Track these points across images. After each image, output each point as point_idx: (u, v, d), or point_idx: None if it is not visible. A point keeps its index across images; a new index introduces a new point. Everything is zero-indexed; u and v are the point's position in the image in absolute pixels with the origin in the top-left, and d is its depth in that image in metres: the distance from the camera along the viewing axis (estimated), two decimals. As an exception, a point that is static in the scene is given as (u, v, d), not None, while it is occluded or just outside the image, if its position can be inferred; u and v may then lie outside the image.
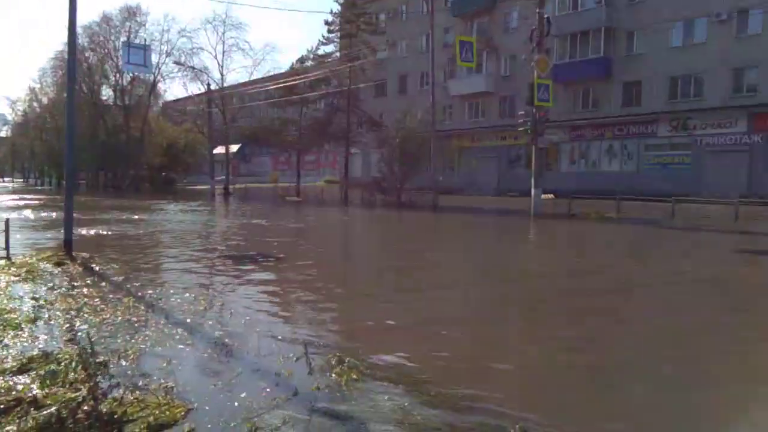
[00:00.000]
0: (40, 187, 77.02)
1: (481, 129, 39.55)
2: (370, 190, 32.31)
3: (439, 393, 4.81)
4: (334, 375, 5.20)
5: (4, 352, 5.80)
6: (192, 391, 4.83)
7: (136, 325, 6.99)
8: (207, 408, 4.50)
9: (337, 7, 40.72)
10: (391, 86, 46.42)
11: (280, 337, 6.53)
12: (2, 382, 4.91)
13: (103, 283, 9.69)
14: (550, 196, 27.38)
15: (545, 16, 22.40)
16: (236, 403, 4.57)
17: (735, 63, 27.84)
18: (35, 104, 79.69)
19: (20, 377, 5.05)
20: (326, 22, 40.84)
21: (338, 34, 40.92)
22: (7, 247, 12.45)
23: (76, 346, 5.95)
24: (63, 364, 5.30)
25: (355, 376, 5.15)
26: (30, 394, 4.65)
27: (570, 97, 34.29)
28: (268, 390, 4.86)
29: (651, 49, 30.80)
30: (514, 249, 15.48)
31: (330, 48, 42.73)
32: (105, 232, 18.42)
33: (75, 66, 14.40)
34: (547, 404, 4.75)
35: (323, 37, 41.50)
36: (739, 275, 10.86)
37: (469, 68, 38.22)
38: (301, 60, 42.12)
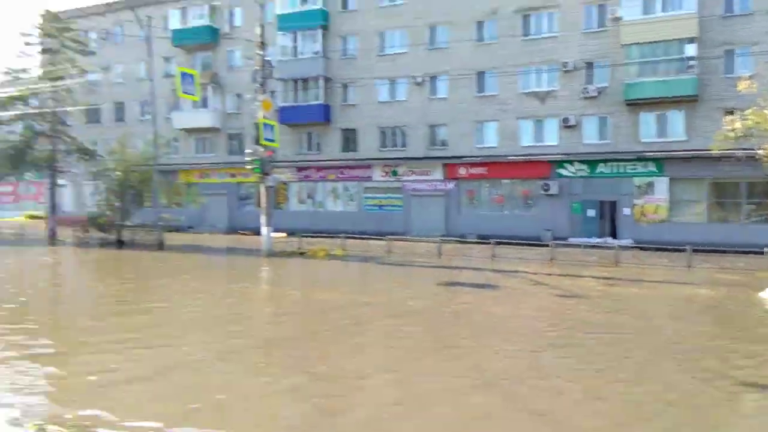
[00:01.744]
0: None
1: (209, 165, 38.69)
2: (83, 227, 28.78)
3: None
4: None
5: None
6: None
7: None
8: None
9: (37, 19, 35.88)
10: (106, 113, 42.37)
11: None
12: None
13: None
14: (283, 234, 28.05)
15: (268, 59, 23.27)
16: None
17: (430, 120, 32.70)
18: None
19: None
20: (22, 34, 35.67)
21: (39, 48, 36.00)
22: None
23: None
24: None
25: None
26: None
27: (296, 138, 35.87)
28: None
29: (363, 101, 34.20)
30: (245, 290, 15.39)
31: (28, 62, 37.24)
32: None
33: None
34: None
35: (21, 52, 36.02)
36: (441, 304, 12.66)
37: (194, 102, 37.21)
38: (-11, 73, 35.84)
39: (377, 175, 34.14)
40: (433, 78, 32.52)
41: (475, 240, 27.17)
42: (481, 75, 31.14)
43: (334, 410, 6.00)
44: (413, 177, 33.09)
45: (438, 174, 32.46)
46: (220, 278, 17.80)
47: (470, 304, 12.62)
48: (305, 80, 34.85)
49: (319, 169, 35.54)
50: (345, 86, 34.78)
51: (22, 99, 34.09)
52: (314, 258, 21.79)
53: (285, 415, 5.88)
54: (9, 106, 34.21)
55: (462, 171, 31.76)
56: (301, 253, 22.70)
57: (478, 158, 31.05)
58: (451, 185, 32.10)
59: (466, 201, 32.05)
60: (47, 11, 34.58)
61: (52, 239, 29.63)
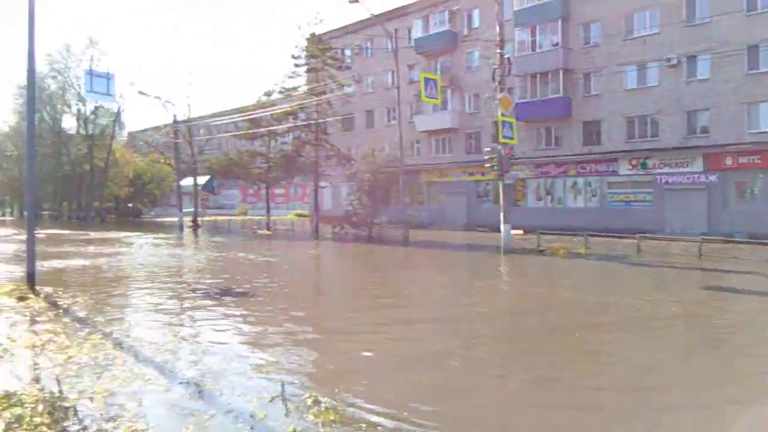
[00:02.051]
0: (1, 218, 74.59)
1: (448, 164, 40.19)
2: (341, 224, 32.28)
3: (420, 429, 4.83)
4: (311, 416, 5.17)
5: (-35, 394, 5.58)
6: (164, 433, 4.74)
7: (103, 363, 6.83)
8: (180, 451, 4.42)
9: (303, 42, 41.27)
10: (358, 121, 46.96)
11: (253, 377, 6.47)
12: (-38, 426, 4.73)
13: (68, 319, 9.44)
14: (520, 231, 27.79)
15: (505, 56, 23.15)
16: (210, 448, 4.50)
17: (687, 105, 29.09)
18: (-5, 132, 77.76)
19: (-18, 421, 4.87)
20: (293, 56, 41.31)
21: (304, 68, 41.37)
22: (-36, 283, 12.05)
23: (41, 388, 5.78)
24: (28, 406, 5.14)
25: (333, 418, 5.13)
26: (-7, 439, 4.49)
27: (533, 134, 35.19)
28: (244, 432, 4.80)
29: (608, 90, 31.96)
30: (489, 284, 15.64)
31: (297, 82, 43.11)
32: (69, 266, 17.94)
33: (34, 93, 14.23)
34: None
35: (290, 71, 41.90)
36: (709, 312, 11.20)
37: (434, 105, 39.02)
38: (268, 93, 42.33)
39: (623, 168, 31.61)
40: (692, 58, 28.91)
41: (746, 240, 23.33)
42: (753, 49, 26.73)
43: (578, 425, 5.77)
44: (666, 169, 29.86)
45: (697, 165, 28.76)
46: (462, 273, 18.36)
47: (746, 314, 10.89)
48: (544, 74, 33.93)
49: (559, 164, 34.28)
50: (586, 76, 32.97)
51: (293, 114, 39.59)
52: (554, 256, 21.11)
53: (527, 422, 5.85)
54: (283, 121, 40.11)
55: (728, 161, 27.65)
56: (540, 251, 22.16)
57: (750, 145, 26.71)
58: (713, 177, 28.18)
59: (733, 195, 27.82)
60: (312, 35, 39.42)
61: (316, 234, 33.81)
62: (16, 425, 4.68)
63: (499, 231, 22.56)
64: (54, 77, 58.62)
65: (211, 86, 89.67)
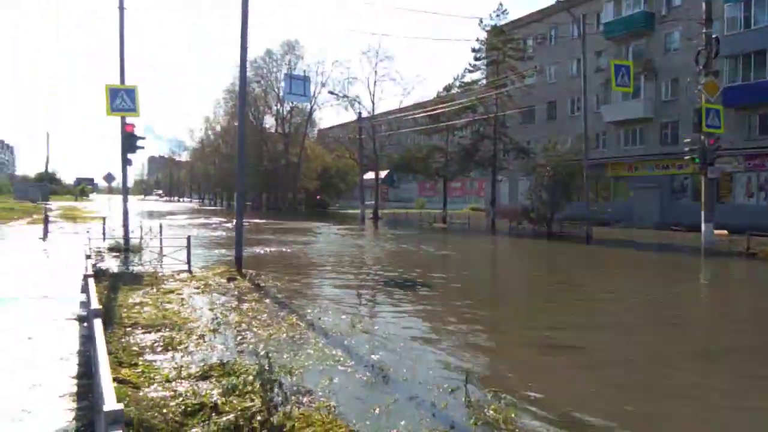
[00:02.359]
0: (212, 208, 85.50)
1: (639, 157, 37.03)
2: (518, 219, 31.53)
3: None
4: (491, 411, 5.11)
5: (189, 359, 6.46)
6: (352, 412, 5.02)
7: (299, 342, 7.45)
8: (368, 432, 4.65)
9: (483, 35, 40.90)
10: (539, 113, 45.31)
11: (433, 367, 6.58)
12: (188, 386, 5.47)
13: (268, 300, 10.48)
14: (724, 232, 24.58)
15: (713, 36, 20.57)
16: (395, 430, 4.66)
17: None
18: (210, 132, 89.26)
19: (202, 383, 5.59)
20: (473, 50, 41.20)
21: (484, 61, 40.97)
22: (188, 262, 13.98)
23: (250, 359, 6.48)
24: (241, 375, 5.79)
25: (513, 415, 5.02)
26: (211, 401, 5.13)
27: (744, 123, 30.88)
28: (426, 420, 4.90)
29: None
30: (686, 290, 14.16)
31: (476, 75, 42.94)
32: (268, 252, 19.96)
33: (245, 97, 15.97)
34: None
35: (470, 65, 41.85)
36: None
37: (625, 93, 36.11)
38: (447, 88, 42.74)
39: None
40: None
41: None
42: None
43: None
44: None
45: None
46: (653, 276, 16.85)
47: None
48: (759, 53, 29.62)
49: (776, 156, 29.75)
50: (816, 53, 28.15)
51: (471, 108, 39.53)
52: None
53: None
54: (462, 115, 40.27)
55: None
56: (751, 254, 19.41)
57: None
58: None
59: None
60: (494, 27, 38.90)
61: (492, 229, 33.42)
62: (231, 391, 5.30)
63: (697, 231, 20.32)
64: (258, 81, 65.34)
65: (395, 84, 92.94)
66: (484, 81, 41.63)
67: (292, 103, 61.68)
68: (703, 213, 19.94)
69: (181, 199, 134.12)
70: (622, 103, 37.38)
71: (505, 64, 38.11)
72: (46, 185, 52.74)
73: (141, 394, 5.20)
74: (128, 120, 16.37)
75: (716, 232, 20.96)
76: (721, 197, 30.81)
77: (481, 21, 40.12)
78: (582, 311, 10.72)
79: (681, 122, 33.68)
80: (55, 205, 57.49)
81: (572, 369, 6.83)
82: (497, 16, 39.72)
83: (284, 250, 20.73)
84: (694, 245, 20.47)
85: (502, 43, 38.17)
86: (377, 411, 5.09)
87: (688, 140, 21.12)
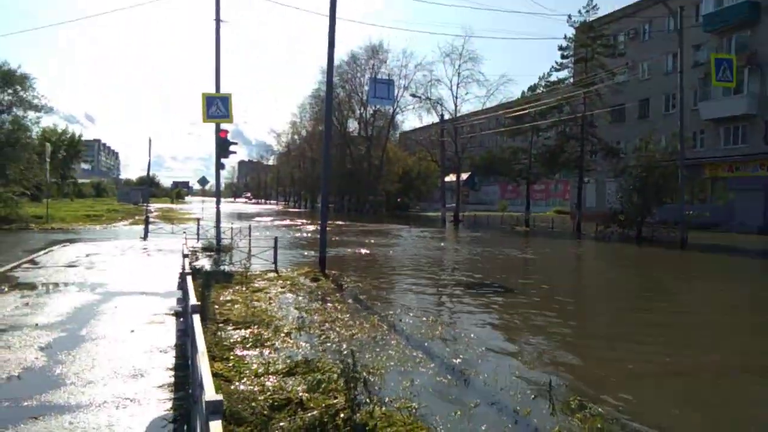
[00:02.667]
0: (297, 210, 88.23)
1: (741, 157, 34.50)
2: (605, 222, 30.25)
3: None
4: (576, 420, 4.97)
5: (276, 355, 6.73)
6: (433, 415, 5.04)
7: (380, 342, 7.56)
8: (449, 435, 4.65)
9: (571, 32, 39.65)
10: (630, 111, 43.26)
11: (515, 372, 6.48)
12: (275, 381, 5.70)
13: (351, 300, 10.71)
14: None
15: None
16: (477, 435, 4.64)
17: None
18: (296, 136, 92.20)
19: (288, 379, 5.81)
20: (560, 48, 40.01)
21: (572, 59, 39.68)
22: (275, 262, 14.53)
23: (333, 358, 6.66)
24: (326, 373, 5.97)
25: (599, 425, 4.86)
26: (297, 396, 5.33)
27: None
28: (508, 426, 4.85)
29: None
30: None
31: (563, 74, 41.68)
32: (351, 253, 20.36)
33: (331, 103, 16.37)
34: None
35: (556, 63, 40.71)
36: None
37: (726, 89, 33.83)
38: (533, 88, 41.81)
39: None
40: None
41: None
42: None
43: None
44: None
45: None
46: (755, 287, 15.67)
47: None
48: None
49: None
50: None
51: (557, 107, 38.40)
52: None
53: None
54: (547, 115, 39.22)
55: None
56: None
57: None
58: None
59: None
60: (582, 23, 37.61)
61: (577, 233, 32.28)
62: (316, 388, 5.48)
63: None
64: (342, 86, 66.74)
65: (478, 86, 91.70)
66: (572, 80, 40.36)
67: (375, 106, 62.52)
68: (816, 217, 18.30)
69: (267, 201, 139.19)
70: (722, 99, 35.03)
71: (594, 62, 36.74)
72: (147, 188, 56.55)
73: (232, 387, 5.48)
74: (222, 126, 17.25)
75: (832, 238, 19.18)
76: (838, 200, 28.15)
77: (569, 17, 38.99)
78: (668, 321, 10.16)
79: (790, 119, 31.09)
80: (154, 207, 61.44)
81: (662, 382, 6.50)
82: (587, 12, 38.41)
83: (366, 252, 21.05)
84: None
85: (591, 40, 36.82)
86: (458, 414, 5.09)
87: (799, 138, 19.48)
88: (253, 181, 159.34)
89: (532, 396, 5.61)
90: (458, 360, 6.88)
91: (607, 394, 5.74)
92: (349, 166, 68.85)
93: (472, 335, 8.26)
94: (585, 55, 37.21)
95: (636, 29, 42.76)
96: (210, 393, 3.13)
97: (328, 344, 7.43)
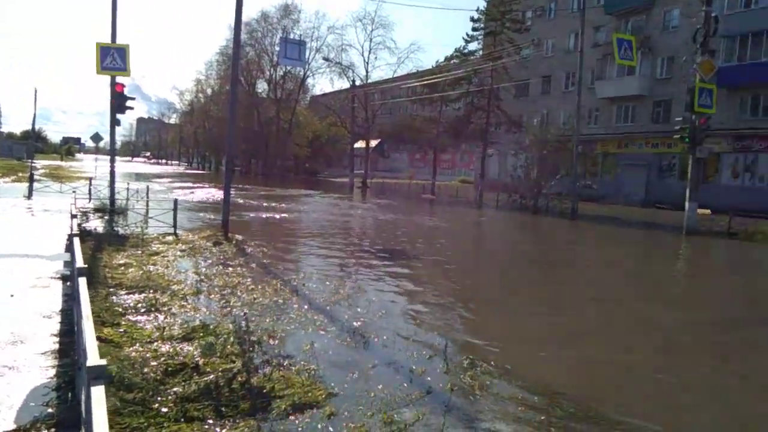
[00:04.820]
0: (201, 171, 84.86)
1: (629, 134, 37.10)
2: (507, 192, 31.61)
3: (578, 412, 4.66)
4: (467, 378, 5.24)
5: (172, 320, 6.53)
6: (332, 376, 5.12)
7: (282, 307, 7.54)
8: (346, 395, 4.75)
9: (483, 4, 40.39)
10: (533, 87, 45.09)
11: (413, 334, 6.70)
12: (170, 347, 5.55)
13: (254, 264, 10.54)
14: (707, 211, 24.93)
15: (712, 14, 20.44)
16: (373, 394, 4.78)
17: None
18: (200, 95, 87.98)
19: (184, 345, 5.67)
20: (472, 19, 40.71)
21: (482, 32, 40.51)
22: (174, 225, 13.97)
23: (232, 322, 6.56)
24: (221, 337, 5.88)
25: (489, 382, 5.15)
26: (193, 361, 5.22)
27: (735, 103, 30.96)
28: (404, 385, 5.02)
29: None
30: (662, 269, 14.40)
31: (474, 46, 42.50)
32: (256, 217, 19.96)
33: (238, 61, 15.73)
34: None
35: (467, 35, 41.40)
36: None
37: (620, 70, 36.08)
38: (448, 59, 42.33)
39: None
40: None
41: None
42: None
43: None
44: None
45: None
46: (633, 253, 17.09)
47: None
48: (758, 34, 29.51)
49: (764, 137, 29.94)
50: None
51: (467, 79, 39.23)
52: (748, 242, 18.68)
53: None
54: (456, 87, 39.99)
55: None
56: (732, 234, 19.72)
57: None
58: None
59: None
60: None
61: (479, 202, 33.54)
62: (210, 351, 5.38)
63: (681, 209, 20.51)
64: (252, 45, 64.20)
65: (390, 53, 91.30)
66: (481, 52, 41.28)
67: (285, 68, 60.81)
68: (688, 192, 20.13)
69: (169, 162, 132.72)
70: (617, 79, 37.28)
71: (503, 36, 37.72)
72: (32, 143, 52.02)
73: (123, 353, 5.26)
74: (118, 80, 16.12)
75: (700, 211, 21.21)
76: (707, 177, 31.10)
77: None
78: (558, 283, 10.89)
79: (674, 101, 33.71)
80: (40, 164, 56.76)
81: (548, 341, 6.98)
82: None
83: (272, 216, 20.73)
84: (677, 224, 20.72)
85: (501, 14, 37.70)
86: (356, 375, 5.21)
87: (679, 119, 21.17)
88: (154, 140, 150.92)
89: (428, 356, 5.84)
90: (359, 323, 7.00)
91: (500, 354, 6.06)
92: (257, 129, 66.93)
93: (374, 299, 8.42)
94: (495, 29, 38.10)
95: (543, 7, 44.23)
96: (93, 358, 2.99)
97: (229, 309, 7.30)
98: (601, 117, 39.66)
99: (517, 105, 43.57)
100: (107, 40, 15.97)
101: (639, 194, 35.22)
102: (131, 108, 17.08)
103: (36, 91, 66.72)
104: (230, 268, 9.92)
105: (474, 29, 40.79)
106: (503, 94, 40.54)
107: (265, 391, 4.70)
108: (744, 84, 30.20)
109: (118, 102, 16.38)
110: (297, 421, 4.25)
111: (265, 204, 26.02)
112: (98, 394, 2.62)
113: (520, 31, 39.09)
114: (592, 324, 8.01)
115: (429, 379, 5.20)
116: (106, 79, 16.10)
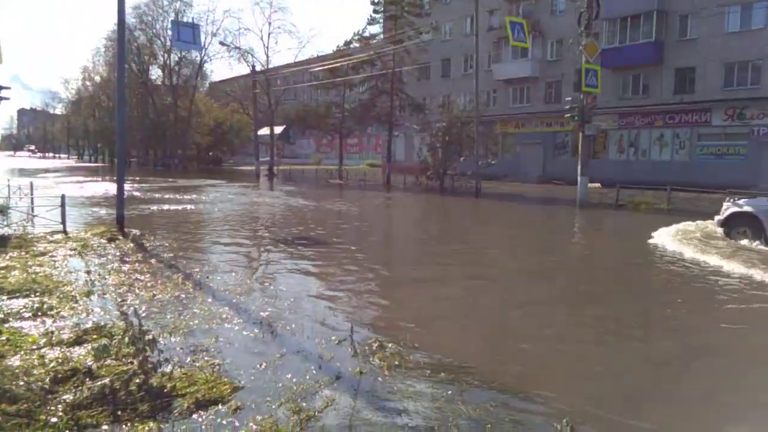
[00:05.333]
0: (93, 164, 79.65)
1: (525, 115, 38.84)
2: (414, 174, 32.16)
3: (482, 383, 4.82)
4: (376, 360, 5.27)
5: (61, 323, 6.08)
6: (238, 369, 4.98)
7: (184, 302, 7.22)
8: (253, 387, 4.63)
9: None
10: (434, 70, 45.97)
11: (323, 320, 6.65)
12: (59, 353, 5.17)
13: (153, 260, 10.02)
14: (597, 185, 26.71)
15: (595, -3, 21.71)
16: (281, 384, 4.69)
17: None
18: (88, 83, 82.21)
19: (75, 349, 5.30)
20: (372, 2, 40.62)
21: (383, 15, 40.61)
22: (63, 222, 12.99)
23: (128, 322, 6.20)
24: (115, 337, 5.54)
25: (397, 362, 5.21)
26: (85, 365, 4.88)
27: (619, 83, 33.23)
28: (312, 372, 4.97)
29: (705, 34, 29.45)
30: (560, 240, 15.24)
31: (375, 29, 42.49)
32: (155, 210, 19.00)
33: (124, 45, 14.77)
34: (591, 399, 4.69)
35: (369, 17, 41.32)
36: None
37: (514, 53, 37.56)
38: (347, 42, 42.02)
39: (717, 119, 29.49)
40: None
41: None
42: None
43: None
44: (765, 120, 27.56)
45: (803, 117, 26.35)
46: (531, 226, 17.96)
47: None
48: (635, 17, 31.68)
49: (645, 114, 32.38)
50: (683, 18, 30.49)
51: (369, 62, 39.22)
52: (634, 212, 20.20)
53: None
54: (359, 70, 39.87)
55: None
56: (620, 205, 21.26)
57: None
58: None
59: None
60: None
61: (387, 184, 33.90)
62: (103, 354, 5.06)
63: (575, 184, 21.79)
64: (142, 29, 60.71)
65: (291, 37, 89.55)
66: (383, 36, 41.36)
67: (180, 53, 58.07)
68: (579, 167, 21.40)
69: (57, 156, 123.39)
70: (511, 62, 38.75)
71: (403, 20, 37.96)
72: None
73: (4, 363, 4.83)
74: (-14, 66, 14.65)
75: (590, 185, 22.62)
76: (596, 153, 33.23)
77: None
78: (463, 260, 11.24)
79: (564, 81, 35.58)
80: None
81: (452, 317, 7.17)
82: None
83: (173, 208, 19.83)
84: (572, 198, 21.98)
85: (401, -2, 37.90)
86: (263, 366, 5.09)
87: (569, 99, 22.37)
88: (38, 132, 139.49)
89: (336, 342, 5.81)
90: (266, 313, 6.85)
91: (408, 335, 6.15)
92: (153, 117, 63.59)
93: (281, 288, 8.27)
94: (395, 13, 38.27)
95: (440, -9, 45.02)
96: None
97: (125, 308, 6.90)
98: (499, 98, 41.16)
99: (419, 88, 44.25)
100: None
101: (537, 171, 37.02)
102: (7, 98, 15.64)
103: None
104: (127, 265, 9.38)
105: (375, 12, 40.78)
106: (406, 77, 41.01)
107: (165, 390, 4.49)
108: (625, 64, 32.38)
109: (-10, 91, 14.93)
110: (200, 419, 4.08)
111: (167, 196, 24.85)
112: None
113: (419, 16, 39.53)
114: (496, 298, 8.33)
115: (338, 364, 5.18)
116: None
